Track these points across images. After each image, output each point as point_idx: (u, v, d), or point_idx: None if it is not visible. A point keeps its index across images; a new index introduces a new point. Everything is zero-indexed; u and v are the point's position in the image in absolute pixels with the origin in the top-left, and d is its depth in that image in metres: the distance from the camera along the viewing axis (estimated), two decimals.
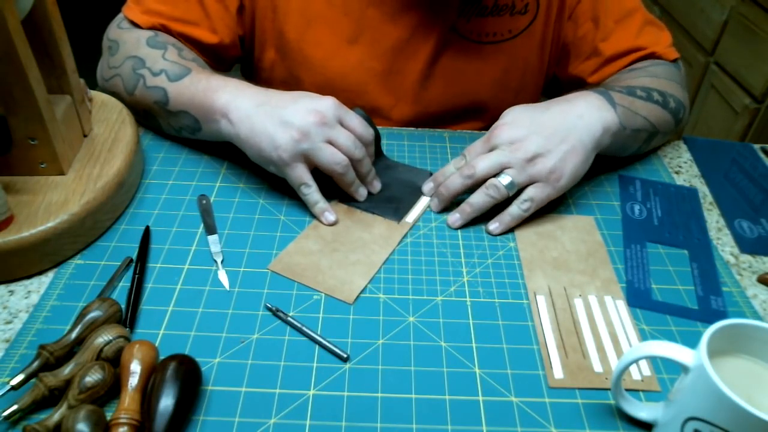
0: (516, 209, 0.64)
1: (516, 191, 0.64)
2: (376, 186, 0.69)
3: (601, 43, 0.81)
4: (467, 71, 0.83)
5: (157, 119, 0.73)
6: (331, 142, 0.62)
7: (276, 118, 0.62)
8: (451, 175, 0.66)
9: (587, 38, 0.82)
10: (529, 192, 0.63)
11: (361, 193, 0.67)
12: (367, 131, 0.66)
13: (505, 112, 0.67)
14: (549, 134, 0.63)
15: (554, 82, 0.92)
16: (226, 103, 0.64)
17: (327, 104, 0.63)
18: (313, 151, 0.62)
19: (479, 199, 0.64)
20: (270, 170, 0.65)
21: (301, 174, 0.63)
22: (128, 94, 0.73)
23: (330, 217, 0.64)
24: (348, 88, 0.82)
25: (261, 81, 0.86)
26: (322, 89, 0.80)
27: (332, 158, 0.62)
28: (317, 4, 0.78)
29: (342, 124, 0.64)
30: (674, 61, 0.81)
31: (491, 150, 0.64)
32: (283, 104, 0.63)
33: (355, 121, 0.65)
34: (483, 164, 0.63)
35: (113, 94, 0.75)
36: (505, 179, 0.62)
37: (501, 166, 0.63)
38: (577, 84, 0.86)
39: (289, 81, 0.84)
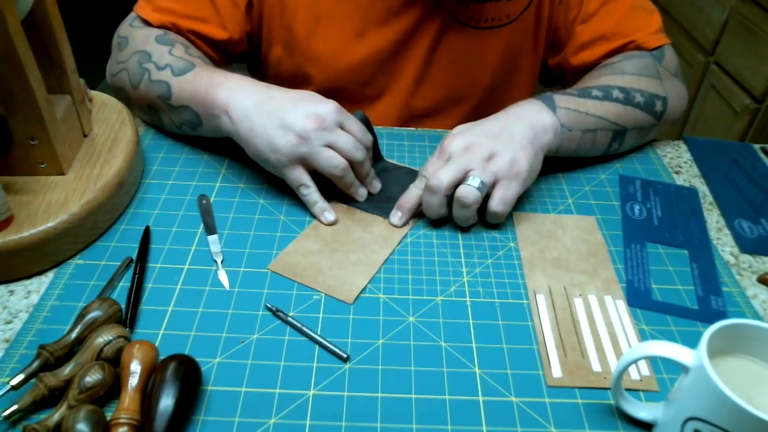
0: (495, 210, 0.63)
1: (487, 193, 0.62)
2: (376, 186, 0.69)
3: (581, 25, 0.82)
4: (467, 57, 0.85)
5: (159, 114, 0.73)
6: (330, 146, 0.63)
7: (276, 120, 0.62)
8: (423, 195, 0.63)
9: (576, 21, 0.83)
10: (496, 196, 0.62)
11: (361, 193, 0.67)
12: (366, 137, 0.66)
13: (452, 130, 0.66)
14: (496, 134, 0.64)
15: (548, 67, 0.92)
16: (227, 99, 0.64)
17: (328, 109, 0.63)
18: (312, 155, 0.62)
19: (461, 215, 0.63)
20: (268, 169, 0.65)
21: (299, 175, 0.63)
22: (133, 88, 0.73)
23: (329, 216, 0.64)
24: (356, 80, 0.84)
25: (268, 77, 0.87)
26: (331, 83, 0.81)
27: (330, 162, 0.62)
28: (325, 1, 0.79)
29: (342, 129, 0.64)
30: (656, 48, 0.79)
31: (447, 161, 0.63)
32: (284, 105, 0.63)
33: (356, 126, 0.65)
34: (445, 174, 0.61)
35: (119, 89, 0.75)
36: (474, 181, 0.60)
37: (463, 170, 0.61)
38: (562, 70, 0.87)
39: (297, 76, 0.85)
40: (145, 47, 0.73)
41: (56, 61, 0.62)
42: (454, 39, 0.83)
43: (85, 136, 0.67)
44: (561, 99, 0.70)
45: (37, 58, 0.58)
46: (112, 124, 0.69)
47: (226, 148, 0.73)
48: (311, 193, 0.64)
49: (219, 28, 0.78)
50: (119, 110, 0.71)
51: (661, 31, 0.81)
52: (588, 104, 0.70)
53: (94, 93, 0.73)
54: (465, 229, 0.65)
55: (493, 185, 0.62)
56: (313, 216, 0.65)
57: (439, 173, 0.62)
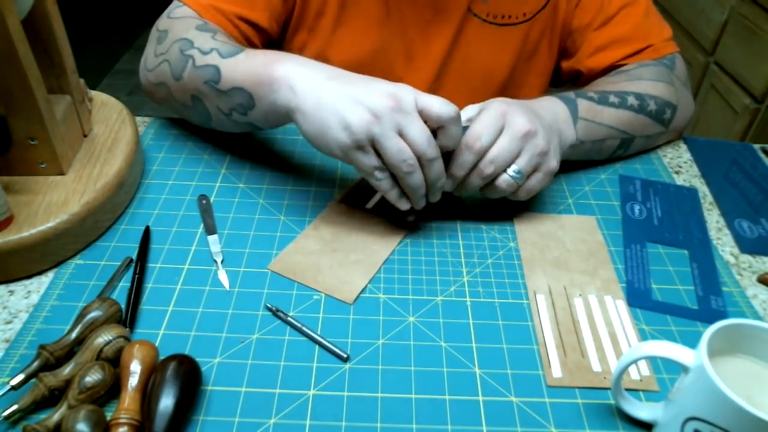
0: (520, 198, 0.63)
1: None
2: (437, 196, 0.61)
3: (602, 28, 0.82)
4: (483, 53, 0.85)
5: (204, 103, 0.68)
6: (402, 134, 0.55)
7: (347, 95, 0.56)
8: (463, 151, 0.60)
9: (592, 26, 0.83)
10: (527, 185, 0.62)
11: (404, 206, 0.60)
12: (449, 110, 0.57)
13: (498, 100, 0.63)
14: (548, 128, 0.63)
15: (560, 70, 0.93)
16: (290, 72, 0.59)
17: (406, 90, 0.57)
18: (383, 138, 0.55)
19: (488, 194, 0.63)
20: (324, 152, 0.58)
21: (372, 159, 0.56)
22: (175, 79, 0.68)
23: (406, 205, 0.60)
24: (376, 68, 0.84)
25: None
26: (352, 69, 0.80)
27: (400, 154, 0.55)
28: None
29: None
30: (668, 56, 0.81)
31: (501, 131, 0.60)
32: (356, 82, 0.57)
33: (436, 111, 0.57)
34: (500, 159, 0.59)
35: (158, 85, 0.71)
36: (515, 173, 0.60)
37: (514, 155, 0.60)
38: (576, 73, 0.87)
39: (318, 60, 0.83)
40: (186, 35, 0.69)
41: (56, 61, 0.62)
42: (471, 34, 0.84)
43: (85, 136, 0.67)
44: (582, 106, 0.69)
45: (37, 58, 0.58)
46: (112, 124, 0.69)
47: (226, 148, 0.73)
48: (386, 178, 0.58)
49: (262, 13, 0.77)
50: (119, 110, 0.71)
51: (672, 39, 0.82)
52: (604, 113, 0.70)
53: (94, 93, 0.73)
54: (465, 229, 0.65)
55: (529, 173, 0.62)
56: (314, 216, 0.65)
57: (497, 159, 0.59)
